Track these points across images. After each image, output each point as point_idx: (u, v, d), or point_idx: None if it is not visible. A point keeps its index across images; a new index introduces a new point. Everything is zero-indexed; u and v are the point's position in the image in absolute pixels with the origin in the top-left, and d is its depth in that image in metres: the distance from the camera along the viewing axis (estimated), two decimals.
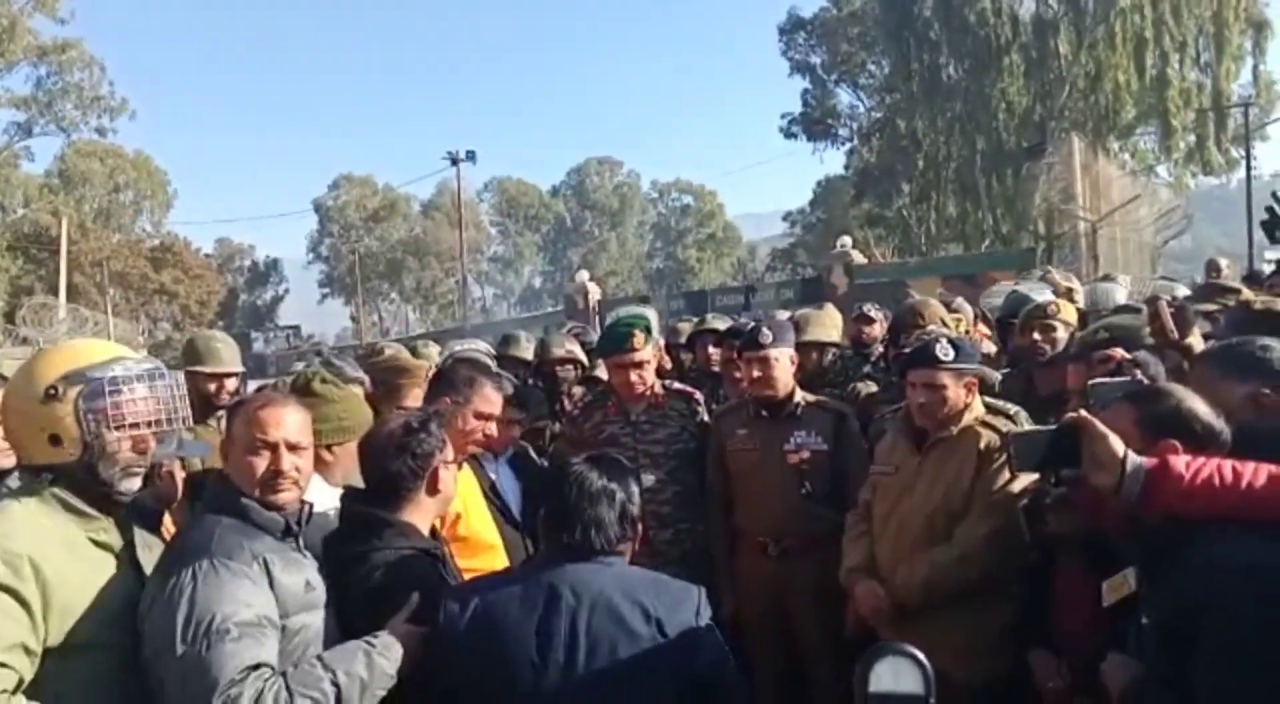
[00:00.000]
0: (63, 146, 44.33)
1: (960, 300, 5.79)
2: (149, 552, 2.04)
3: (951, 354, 2.94)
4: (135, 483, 1.98)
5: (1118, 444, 1.73)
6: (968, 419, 2.98)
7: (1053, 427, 1.91)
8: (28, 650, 1.75)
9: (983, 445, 2.92)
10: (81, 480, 1.91)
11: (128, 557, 1.98)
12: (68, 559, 1.85)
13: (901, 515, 3.03)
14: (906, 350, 3.44)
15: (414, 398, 3.90)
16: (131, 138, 62.76)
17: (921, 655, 0.73)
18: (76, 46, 39.69)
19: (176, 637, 1.75)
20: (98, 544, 1.93)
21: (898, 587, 2.96)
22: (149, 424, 1.94)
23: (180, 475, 2.64)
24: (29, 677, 1.76)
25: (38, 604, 1.77)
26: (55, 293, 25.27)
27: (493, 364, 4.51)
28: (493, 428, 3.04)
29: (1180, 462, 1.68)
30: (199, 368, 3.83)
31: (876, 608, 2.99)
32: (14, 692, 1.72)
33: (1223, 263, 7.68)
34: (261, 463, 2.01)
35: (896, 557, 3.01)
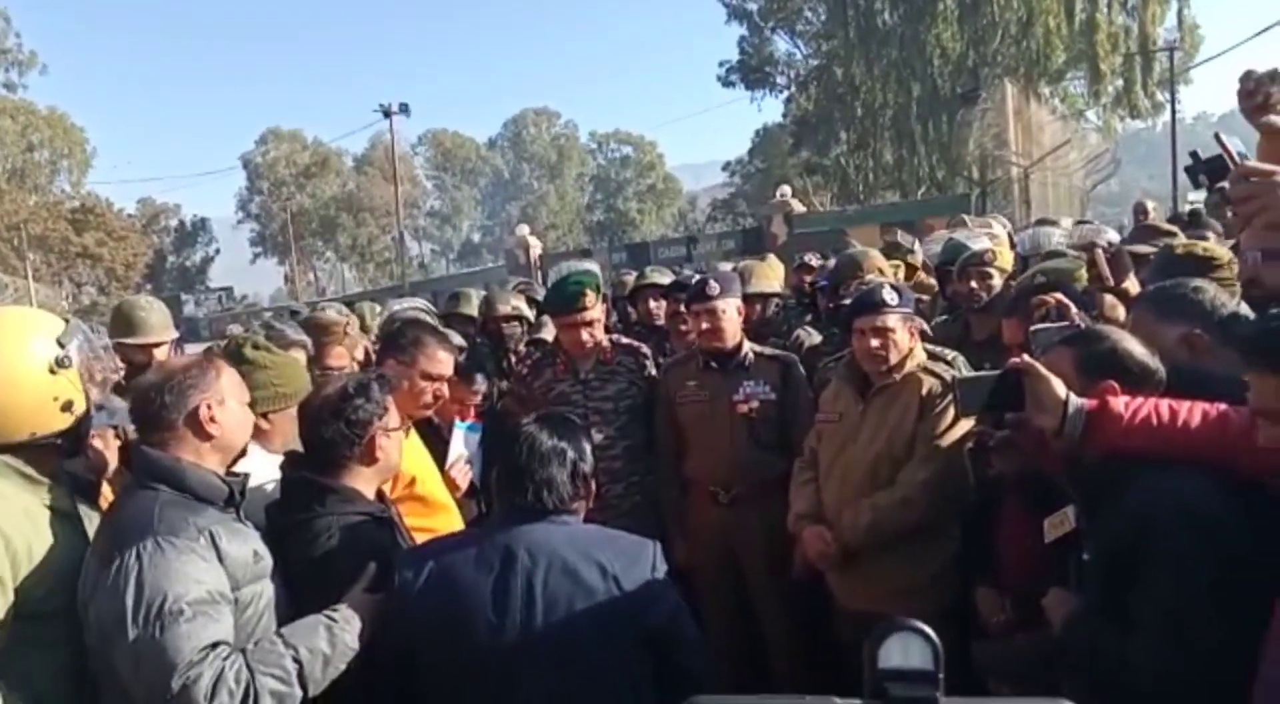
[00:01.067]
0: None
1: (914, 241, 5.88)
2: (90, 523, 2.03)
3: (896, 298, 2.98)
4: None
5: (1059, 387, 1.78)
6: (910, 365, 3.02)
7: (996, 372, 1.96)
8: (2, 624, 1.75)
9: (925, 391, 2.97)
10: (45, 448, 1.93)
11: (78, 524, 1.98)
12: (30, 529, 1.85)
13: (846, 462, 3.09)
14: (846, 301, 3.47)
15: (335, 356, 3.86)
16: (44, 94, 59.71)
17: (930, 631, 0.74)
18: None
19: (127, 620, 1.69)
20: (53, 511, 1.92)
21: (843, 531, 3.03)
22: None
23: (116, 444, 2.57)
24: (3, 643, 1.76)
25: (8, 575, 1.77)
26: None
27: (435, 323, 4.45)
28: (444, 389, 2.97)
29: (1119, 402, 1.74)
30: (128, 339, 3.70)
31: (823, 552, 3.07)
32: None
33: (1149, 205, 7.88)
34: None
35: (842, 502, 3.07)
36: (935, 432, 2.92)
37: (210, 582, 1.79)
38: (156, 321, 3.81)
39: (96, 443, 2.45)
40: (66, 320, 2.09)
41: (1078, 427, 1.75)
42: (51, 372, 1.94)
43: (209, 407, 1.99)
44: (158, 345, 3.79)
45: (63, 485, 2.00)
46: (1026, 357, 1.90)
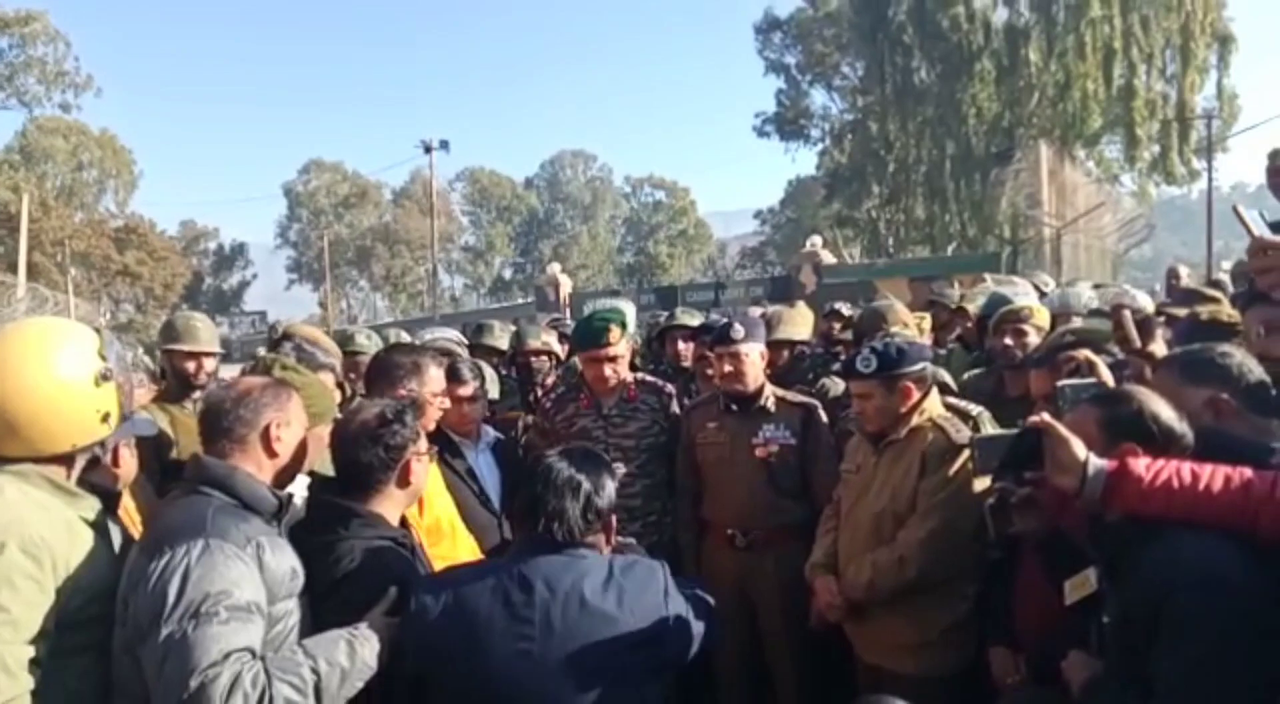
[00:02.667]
0: (25, 122, 43.40)
1: (958, 292, 5.80)
2: (116, 532, 2.06)
3: (874, 365, 2.94)
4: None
5: (1079, 447, 1.77)
6: (917, 420, 3.00)
7: (1015, 431, 1.96)
8: (44, 634, 1.79)
9: (927, 447, 2.95)
10: (74, 458, 1.97)
11: (106, 534, 2.01)
12: (68, 539, 1.88)
13: (857, 515, 3.10)
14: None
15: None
16: (97, 116, 61.49)
17: None
18: (41, 19, 38.87)
19: (164, 615, 1.73)
20: (87, 522, 1.95)
21: (847, 586, 3.04)
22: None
23: (134, 455, 2.63)
24: (43, 656, 1.79)
25: (51, 585, 1.80)
26: (14, 271, 24.66)
27: (464, 352, 4.51)
28: (445, 402, 3.06)
29: (1139, 464, 1.73)
30: (178, 346, 3.79)
31: (830, 604, 3.07)
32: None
33: (1183, 271, 7.84)
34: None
35: (850, 555, 3.08)
36: (935, 488, 2.90)
37: (249, 591, 1.82)
38: (205, 334, 3.90)
39: (124, 452, 2.51)
40: (98, 331, 2.14)
41: (1097, 488, 1.74)
42: (97, 384, 1.98)
43: (278, 426, 2.08)
44: (208, 355, 3.87)
45: (92, 496, 2.04)
46: (1046, 415, 1.90)
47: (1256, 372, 2.05)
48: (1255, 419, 1.99)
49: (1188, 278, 7.63)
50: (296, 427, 2.15)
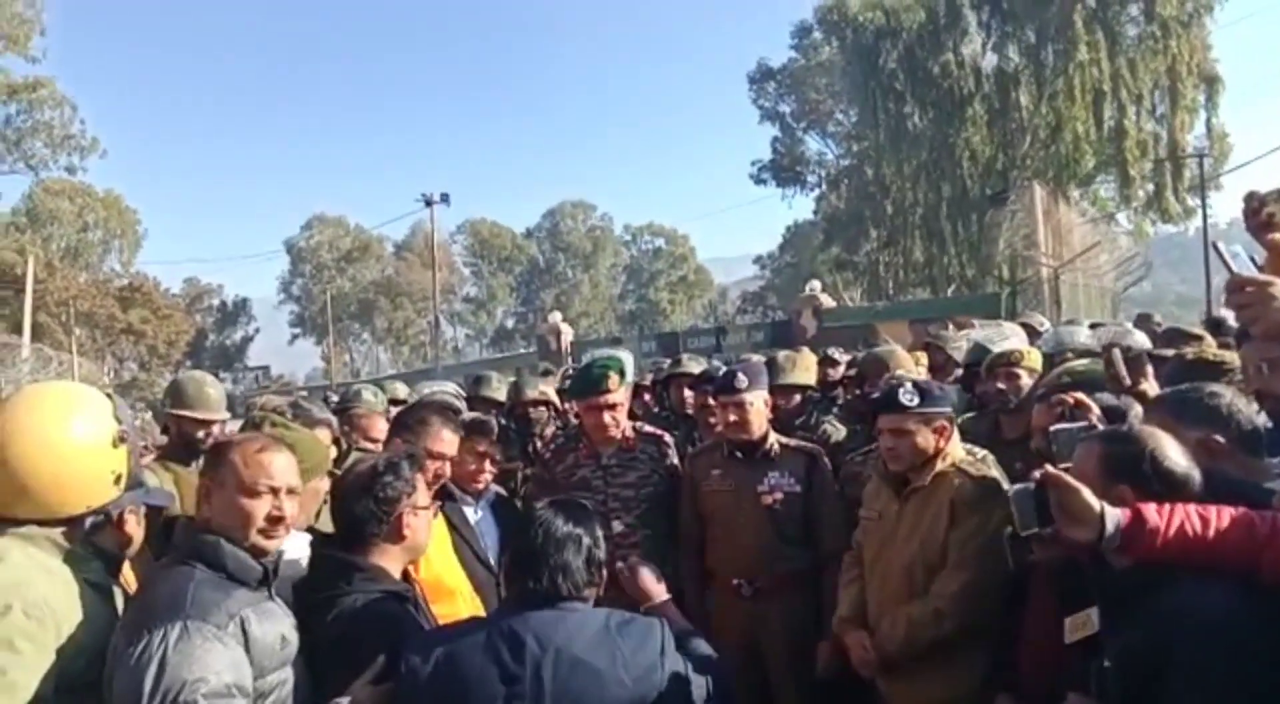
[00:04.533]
0: (31, 185, 43.96)
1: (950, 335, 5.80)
2: (117, 597, 2.07)
3: (916, 399, 2.93)
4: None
5: (1091, 498, 1.73)
6: (941, 465, 2.97)
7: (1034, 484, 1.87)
8: (41, 699, 1.77)
9: (955, 494, 2.91)
10: (80, 521, 1.98)
11: (109, 597, 2.01)
12: (71, 602, 1.88)
13: (885, 564, 3.05)
14: (874, 395, 3.49)
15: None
16: (102, 177, 62.11)
17: None
18: (48, 85, 39.48)
19: (142, 702, 1.70)
20: (91, 585, 1.95)
21: (883, 640, 2.98)
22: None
23: (141, 524, 2.62)
24: None
25: (53, 648, 1.80)
26: (19, 332, 24.81)
27: (462, 405, 4.53)
28: (446, 468, 3.03)
29: (1153, 514, 1.70)
30: (190, 413, 3.71)
31: (864, 660, 3.02)
32: None
33: (1156, 317, 7.89)
34: (263, 507, 1.98)
35: (881, 607, 3.03)
36: (967, 538, 2.86)
37: (229, 673, 1.78)
38: (216, 399, 3.83)
39: (130, 518, 2.51)
40: (109, 395, 2.17)
41: (1115, 540, 1.71)
42: (114, 445, 2.01)
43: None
44: (216, 422, 3.81)
45: (97, 559, 2.04)
46: (1049, 467, 1.85)
47: (1246, 411, 2.06)
48: (1246, 459, 2.00)
49: (1158, 321, 7.66)
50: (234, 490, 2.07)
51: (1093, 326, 5.40)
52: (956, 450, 3.04)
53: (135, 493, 2.22)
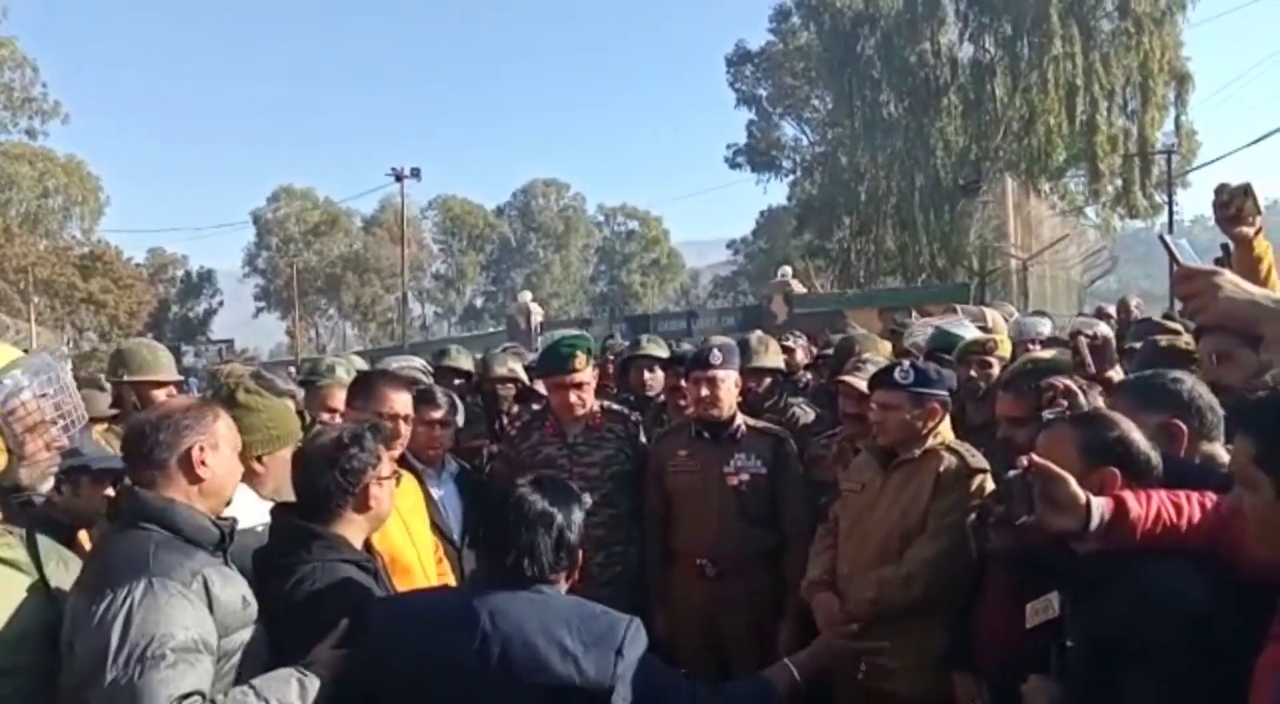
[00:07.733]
0: None
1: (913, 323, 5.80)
2: (64, 568, 1.97)
3: (910, 377, 2.99)
4: (50, 483, 1.96)
5: (1076, 488, 1.71)
6: (932, 443, 3.02)
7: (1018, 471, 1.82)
8: None
9: (942, 468, 2.96)
10: None
11: (35, 573, 1.90)
12: None
13: (863, 532, 3.08)
14: (845, 376, 3.50)
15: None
16: (64, 142, 60.71)
17: None
18: (8, 45, 38.49)
19: (108, 661, 1.67)
20: (3, 562, 1.85)
21: (852, 601, 3.00)
22: (56, 421, 1.90)
23: (96, 487, 2.56)
24: None
25: None
26: None
27: (428, 378, 4.48)
28: (403, 427, 3.01)
29: (1133, 503, 1.70)
30: (151, 376, 3.69)
31: (831, 620, 3.01)
32: None
33: (1133, 302, 7.99)
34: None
35: (854, 571, 3.06)
36: (948, 510, 2.90)
37: (196, 629, 1.76)
38: (165, 361, 3.79)
39: (85, 481, 2.45)
40: (15, 359, 1.95)
41: (1100, 532, 1.69)
42: None
43: (201, 449, 1.98)
44: (159, 385, 3.76)
45: (11, 533, 1.92)
46: (1036, 456, 1.80)
47: (1206, 397, 2.09)
48: (1203, 444, 2.02)
49: (1137, 309, 7.78)
50: (225, 449, 2.06)
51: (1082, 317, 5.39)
52: (947, 432, 3.09)
53: (70, 458, 2.14)
